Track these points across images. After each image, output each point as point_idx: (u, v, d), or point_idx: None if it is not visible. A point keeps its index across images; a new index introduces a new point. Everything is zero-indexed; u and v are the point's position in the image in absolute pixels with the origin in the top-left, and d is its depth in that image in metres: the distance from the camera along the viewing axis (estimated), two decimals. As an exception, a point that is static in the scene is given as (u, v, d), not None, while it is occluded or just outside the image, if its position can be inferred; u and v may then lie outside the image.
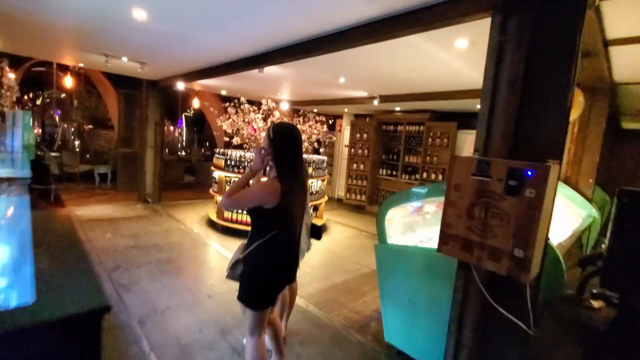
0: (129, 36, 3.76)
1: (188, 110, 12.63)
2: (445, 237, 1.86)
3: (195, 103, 8.75)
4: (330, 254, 5.09)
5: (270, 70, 4.55)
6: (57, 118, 9.00)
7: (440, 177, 7.12)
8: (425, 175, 7.35)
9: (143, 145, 7.18)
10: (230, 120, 5.59)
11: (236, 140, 5.70)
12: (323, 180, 6.17)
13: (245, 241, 1.89)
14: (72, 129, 9.17)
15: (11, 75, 3.20)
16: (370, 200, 8.38)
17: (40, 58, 5.92)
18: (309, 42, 3.33)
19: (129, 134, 7.74)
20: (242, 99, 5.29)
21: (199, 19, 3.07)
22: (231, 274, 1.84)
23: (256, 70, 4.31)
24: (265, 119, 5.35)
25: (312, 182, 5.76)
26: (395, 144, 8.12)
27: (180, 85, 6.47)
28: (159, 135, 7.10)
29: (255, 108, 5.40)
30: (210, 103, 9.09)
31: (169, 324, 2.89)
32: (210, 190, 5.95)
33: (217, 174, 5.69)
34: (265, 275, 1.77)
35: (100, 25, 3.42)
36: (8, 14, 3.30)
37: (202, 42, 3.79)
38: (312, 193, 5.77)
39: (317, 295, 3.67)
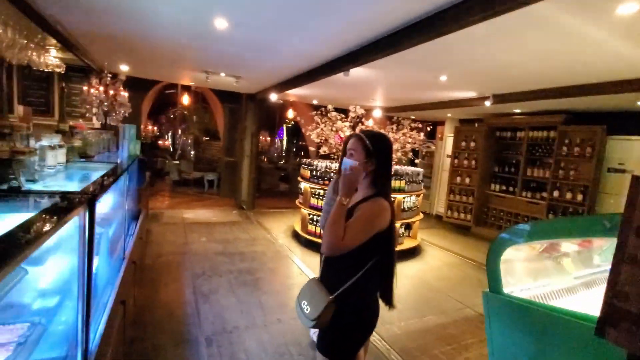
0: (215, 48, 3.85)
1: (287, 121, 13.21)
2: (614, 313, 1.08)
3: (290, 114, 8.97)
4: (422, 285, 4.30)
5: (357, 73, 4.13)
6: (179, 131, 10.48)
7: (579, 197, 5.49)
8: (556, 193, 5.79)
9: (241, 155, 7.62)
10: (319, 129, 5.38)
11: (324, 150, 5.44)
12: (418, 196, 5.39)
13: (317, 276, 1.58)
14: (189, 141, 10.50)
15: (124, 94, 3.62)
16: (477, 220, 7.10)
17: (160, 79, 6.84)
18: (397, 32, 2.78)
19: (231, 144, 8.39)
20: (329, 107, 5.01)
21: (278, 23, 2.87)
22: (319, 324, 1.42)
23: (342, 75, 3.95)
24: (353, 127, 4.95)
25: (404, 197, 5.06)
26: (513, 154, 6.69)
27: (273, 97, 6.62)
28: (254, 145, 7.43)
29: (343, 116, 5.04)
30: (303, 113, 9.21)
31: (233, 346, 2.69)
32: (297, 202, 5.82)
33: (303, 185, 5.52)
34: (366, 318, 1.48)
35: (190, 40, 3.56)
36: (124, 39, 3.72)
37: (285, 48, 3.62)
38: (404, 209, 5.07)
39: (403, 339, 3.01)
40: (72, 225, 1.39)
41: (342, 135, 4.84)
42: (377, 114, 7.18)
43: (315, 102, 7.71)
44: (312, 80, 4.71)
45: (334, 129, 5.06)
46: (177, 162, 9.56)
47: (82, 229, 1.41)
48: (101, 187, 1.70)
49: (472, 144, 7.15)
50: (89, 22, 3.29)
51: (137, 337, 2.71)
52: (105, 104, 3.27)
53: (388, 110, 7.63)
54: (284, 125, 13.63)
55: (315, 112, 5.36)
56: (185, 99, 7.88)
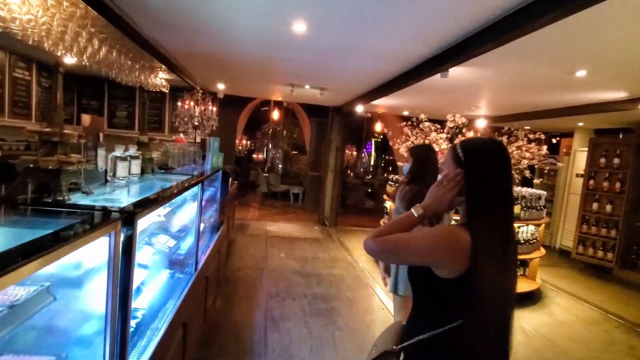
0: (296, 58, 3.68)
1: (375, 135, 12.74)
2: None
3: (378, 127, 8.48)
4: (547, 347, 3.23)
5: (457, 74, 3.45)
6: (269, 145, 11.00)
7: None
8: None
9: (325, 169, 7.42)
10: (408, 142, 4.78)
11: None
12: (538, 226, 4.26)
13: (403, 322, 1.17)
14: (279, 154, 10.90)
15: (212, 109, 3.73)
16: (622, 261, 5.36)
17: (252, 96, 7.16)
18: (512, 15, 2.10)
19: (317, 158, 8.32)
20: (422, 116, 4.37)
21: (359, 19, 2.48)
22: None
23: (438, 77, 3.34)
24: (451, 139, 4.20)
25: (519, 227, 4.04)
26: (684, 174, 4.88)
27: (359, 108, 6.26)
28: (339, 159, 7.15)
29: (438, 126, 4.34)
30: (391, 126, 8.61)
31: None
32: (381, 222, 5.25)
33: (389, 203, 4.94)
34: None
35: (270, 50, 3.45)
36: (215, 57, 3.85)
37: (369, 50, 3.21)
38: (519, 242, 4.04)
39: None
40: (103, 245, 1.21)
41: (437, 149, 4.14)
42: (482, 124, 6.15)
43: (405, 113, 7.08)
44: (401, 86, 4.18)
45: (426, 141, 4.39)
46: (266, 174, 9.95)
47: (113, 251, 1.22)
48: (148, 202, 1.53)
49: (616, 161, 5.50)
50: (184, 42, 3.46)
51: (200, 358, 2.54)
52: (196, 117, 3.40)
53: (495, 119, 6.50)
54: (372, 140, 13.18)
55: (404, 123, 4.78)
56: (276, 114, 8.14)
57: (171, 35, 3.24)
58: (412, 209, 1.04)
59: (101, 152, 1.77)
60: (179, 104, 3.36)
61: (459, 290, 0.93)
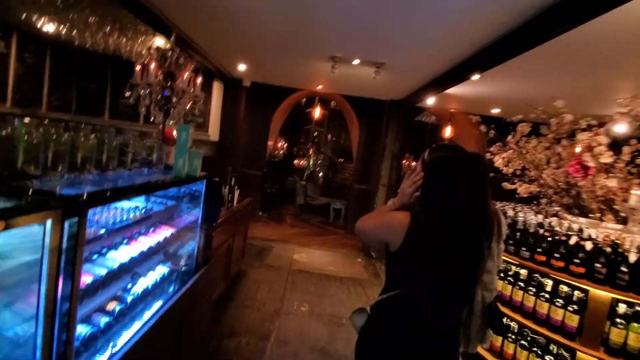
0: (339, 5, 2.06)
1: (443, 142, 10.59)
2: None
3: (447, 132, 6.52)
4: None
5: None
6: (311, 150, 9.52)
7: None
8: None
9: (376, 183, 5.69)
10: (509, 152, 3.02)
11: (523, 188, 2.98)
12: None
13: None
14: (320, 161, 9.34)
15: (195, 80, 2.30)
16: None
17: (282, 84, 5.72)
18: None
19: (365, 168, 6.62)
20: (559, 103, 2.47)
21: None
22: (352, 321, 1.36)
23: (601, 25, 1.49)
24: (616, 146, 2.25)
25: None
26: None
27: (430, 101, 4.46)
28: (394, 170, 5.37)
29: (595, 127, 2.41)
30: (464, 132, 6.59)
31: None
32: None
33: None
34: (383, 348, 1.24)
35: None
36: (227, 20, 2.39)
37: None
38: None
39: None
40: None
41: (589, 165, 2.23)
42: None
43: (495, 111, 5.06)
44: (517, 51, 2.38)
45: (563, 154, 2.50)
46: (304, 183, 8.45)
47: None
48: None
49: None
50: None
51: None
52: (162, 90, 1.99)
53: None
54: (434, 149, 11.01)
55: (486, 127, 2.95)
56: (318, 112, 6.62)
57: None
58: (389, 201, 1.36)
59: None
60: (137, 68, 1.99)
61: (401, 260, 1.20)
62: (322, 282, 4.23)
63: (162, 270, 2.25)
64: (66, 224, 1.10)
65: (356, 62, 3.45)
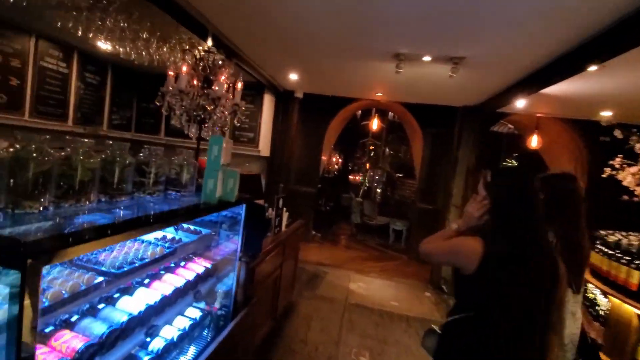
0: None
1: (515, 155, 9.32)
2: None
3: (534, 142, 5.46)
4: None
5: None
6: (367, 165, 8.88)
7: None
8: None
9: (445, 202, 4.89)
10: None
11: None
12: None
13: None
14: (377, 177, 8.65)
15: (236, 85, 1.92)
16: None
17: (337, 94, 5.26)
18: None
19: (431, 185, 5.82)
20: None
21: None
22: (424, 346, 1.39)
23: None
24: None
25: None
26: None
27: (520, 103, 3.63)
28: (470, 189, 4.53)
29: None
30: (557, 141, 5.46)
31: None
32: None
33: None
34: None
35: None
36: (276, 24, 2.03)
37: None
38: None
39: None
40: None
41: None
42: None
43: (606, 114, 3.99)
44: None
45: None
46: (360, 200, 7.84)
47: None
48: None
49: None
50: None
51: None
52: (195, 97, 1.62)
53: None
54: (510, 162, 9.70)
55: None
56: (375, 124, 6.05)
57: None
58: (451, 224, 1.38)
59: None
60: (170, 73, 1.66)
61: (471, 287, 1.21)
62: (384, 322, 3.55)
63: (192, 313, 1.84)
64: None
65: (427, 58, 2.84)
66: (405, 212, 7.61)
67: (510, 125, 7.44)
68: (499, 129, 7.87)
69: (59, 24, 2.31)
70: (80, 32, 2.75)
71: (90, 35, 2.92)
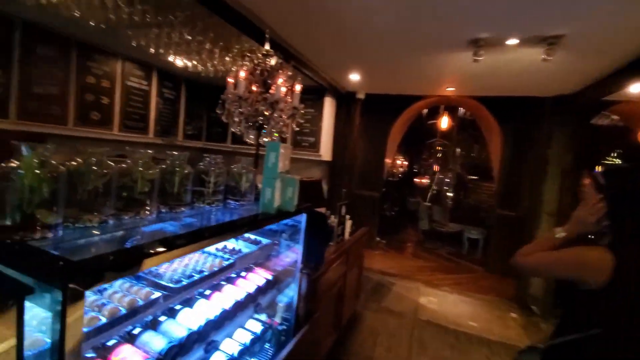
0: None
1: (617, 153, 7.93)
2: None
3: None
4: None
5: None
6: (435, 167, 8.25)
7: None
8: None
9: (534, 209, 4.23)
10: None
11: None
12: None
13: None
14: (447, 180, 7.97)
15: (294, 88, 1.81)
16: None
17: (404, 92, 4.91)
18: None
19: (512, 189, 5.11)
20: None
21: None
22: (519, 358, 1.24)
23: None
24: None
25: None
26: None
27: (636, 88, 2.94)
28: (564, 193, 3.84)
29: None
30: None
31: None
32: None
33: None
34: None
35: None
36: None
37: None
38: None
39: None
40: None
41: None
42: None
43: None
44: None
45: None
46: (429, 204, 7.30)
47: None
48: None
49: None
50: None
51: None
52: (255, 103, 1.56)
53: None
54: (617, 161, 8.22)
55: None
56: (444, 122, 5.55)
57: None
58: (555, 231, 1.23)
59: None
60: (230, 80, 1.63)
61: (599, 302, 1.08)
62: (461, 345, 3.14)
63: (253, 326, 1.77)
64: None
65: (512, 41, 2.42)
66: (480, 218, 6.86)
67: (614, 116, 6.26)
68: (599, 122, 6.67)
69: (133, 42, 2.50)
70: (152, 49, 2.97)
71: (161, 50, 3.14)
